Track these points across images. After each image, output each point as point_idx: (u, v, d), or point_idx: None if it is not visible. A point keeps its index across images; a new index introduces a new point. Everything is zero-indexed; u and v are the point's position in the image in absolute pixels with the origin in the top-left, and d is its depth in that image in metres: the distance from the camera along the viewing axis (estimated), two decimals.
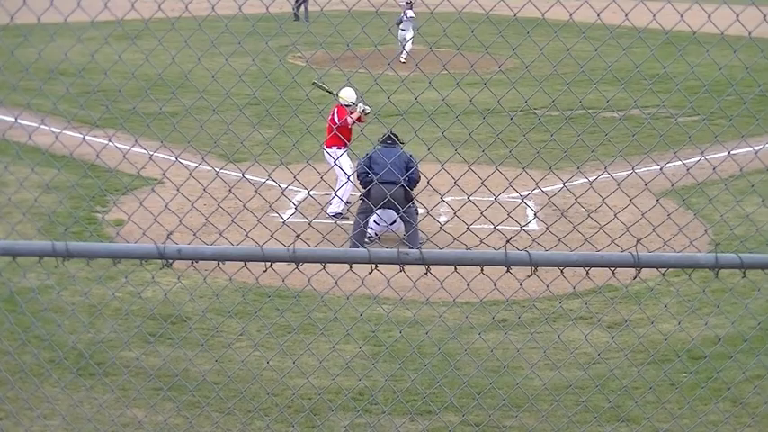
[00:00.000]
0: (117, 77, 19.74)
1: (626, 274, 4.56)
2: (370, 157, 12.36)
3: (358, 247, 12.09)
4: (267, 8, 5.81)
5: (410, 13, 28.48)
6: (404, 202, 12.32)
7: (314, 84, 13.19)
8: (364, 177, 12.18)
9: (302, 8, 36.97)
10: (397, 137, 12.70)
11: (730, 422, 7.49)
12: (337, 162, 13.72)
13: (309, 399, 8.05)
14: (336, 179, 14.12)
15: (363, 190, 12.35)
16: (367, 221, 12.68)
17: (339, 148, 13.89)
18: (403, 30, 28.53)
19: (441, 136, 5.63)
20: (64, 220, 12.91)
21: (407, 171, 12.29)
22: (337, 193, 13.71)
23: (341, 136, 13.81)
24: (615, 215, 5.97)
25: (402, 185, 11.96)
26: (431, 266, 4.13)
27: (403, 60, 27.81)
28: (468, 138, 4.93)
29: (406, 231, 12.39)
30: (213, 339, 9.26)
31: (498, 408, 7.80)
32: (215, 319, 9.66)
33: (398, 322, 9.81)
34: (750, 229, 11.46)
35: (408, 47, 28.28)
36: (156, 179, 13.67)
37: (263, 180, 9.34)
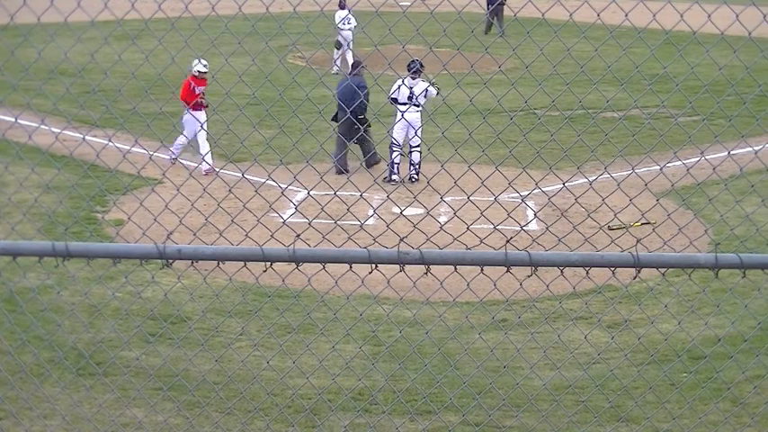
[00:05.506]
0: (117, 77, 19.75)
1: (626, 274, 4.55)
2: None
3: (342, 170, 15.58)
4: (267, 8, 5.80)
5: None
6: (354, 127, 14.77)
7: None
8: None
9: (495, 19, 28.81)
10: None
11: (730, 422, 7.49)
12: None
13: (309, 399, 8.05)
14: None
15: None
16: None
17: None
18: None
19: (441, 136, 5.63)
20: (64, 220, 12.90)
21: (355, 100, 14.63)
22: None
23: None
24: (615, 215, 5.98)
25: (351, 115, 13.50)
26: (431, 266, 4.13)
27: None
28: (468, 138, 4.93)
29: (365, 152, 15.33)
30: (213, 339, 9.26)
31: (498, 408, 7.80)
32: (215, 319, 9.66)
33: (398, 322, 9.81)
34: (750, 229, 11.45)
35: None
36: (156, 179, 13.67)
37: (263, 180, 9.34)
